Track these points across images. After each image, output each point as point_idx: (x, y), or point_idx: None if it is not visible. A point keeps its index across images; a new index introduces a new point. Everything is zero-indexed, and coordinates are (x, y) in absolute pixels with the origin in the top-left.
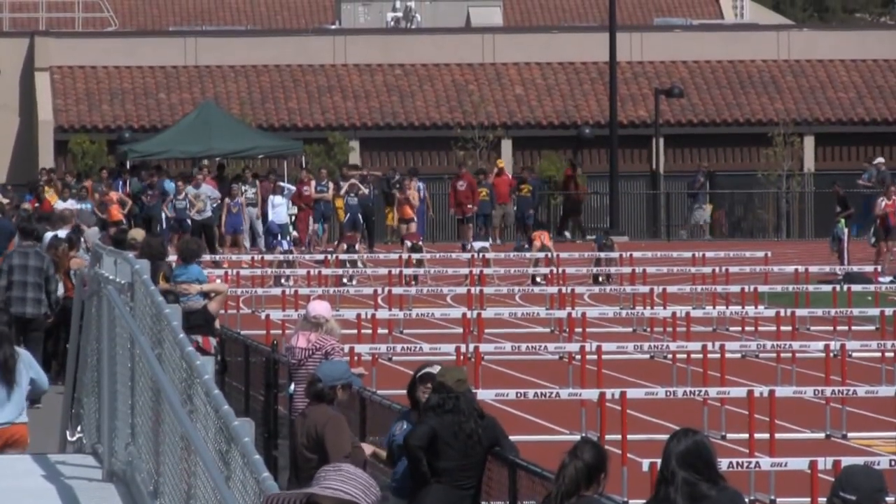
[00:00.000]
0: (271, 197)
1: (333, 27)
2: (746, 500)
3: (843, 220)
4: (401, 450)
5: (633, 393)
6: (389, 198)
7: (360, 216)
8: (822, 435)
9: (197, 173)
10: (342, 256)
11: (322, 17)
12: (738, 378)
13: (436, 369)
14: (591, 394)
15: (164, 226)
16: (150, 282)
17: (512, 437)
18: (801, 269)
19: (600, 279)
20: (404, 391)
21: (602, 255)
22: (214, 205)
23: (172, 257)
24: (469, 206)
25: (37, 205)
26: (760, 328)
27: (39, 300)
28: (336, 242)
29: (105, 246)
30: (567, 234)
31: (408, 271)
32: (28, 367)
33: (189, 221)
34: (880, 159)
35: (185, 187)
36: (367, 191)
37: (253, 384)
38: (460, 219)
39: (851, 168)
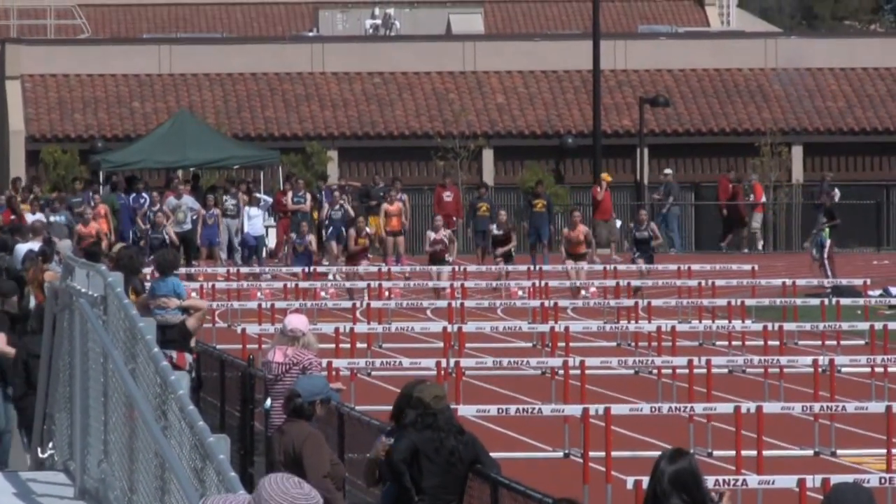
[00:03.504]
0: (247, 208)
1: (311, 35)
2: None
3: (827, 230)
4: (385, 467)
5: (617, 409)
6: (369, 209)
7: (343, 229)
8: (810, 452)
9: (178, 184)
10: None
11: (299, 25)
12: (725, 394)
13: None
14: (574, 410)
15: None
16: (124, 295)
17: (493, 454)
18: (788, 282)
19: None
20: (383, 406)
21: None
22: (194, 216)
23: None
24: (454, 218)
25: (13, 217)
26: (747, 343)
27: None
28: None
29: (77, 258)
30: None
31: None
32: None
33: (165, 234)
34: (668, 171)
35: (167, 198)
36: (350, 209)
37: (229, 400)
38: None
39: (841, 179)
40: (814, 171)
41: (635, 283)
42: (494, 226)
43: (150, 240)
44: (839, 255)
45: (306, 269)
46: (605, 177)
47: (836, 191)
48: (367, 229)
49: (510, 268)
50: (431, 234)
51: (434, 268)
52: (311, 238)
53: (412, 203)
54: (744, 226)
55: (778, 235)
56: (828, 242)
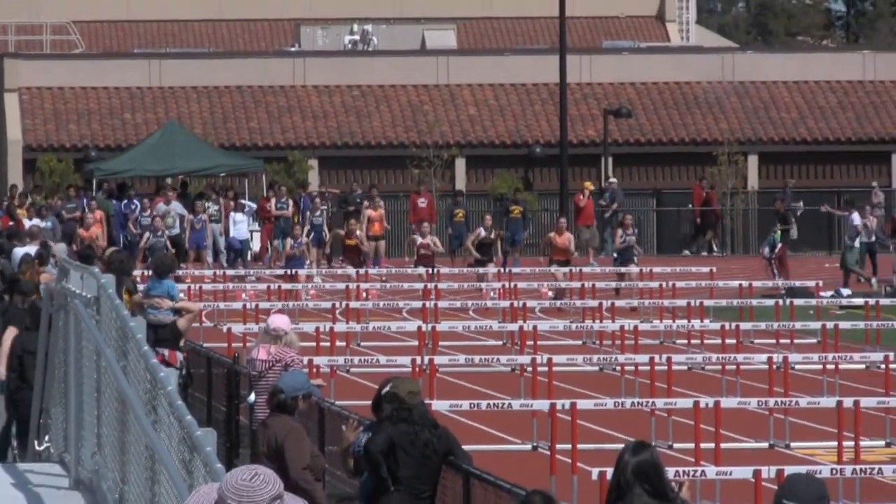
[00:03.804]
0: (232, 214)
1: (293, 49)
2: None
3: (779, 233)
4: (363, 458)
5: (582, 404)
6: (348, 214)
7: (323, 234)
8: (765, 445)
9: (167, 191)
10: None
11: (282, 40)
12: (685, 389)
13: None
14: (542, 405)
15: (129, 240)
16: (116, 296)
17: (465, 447)
18: (745, 283)
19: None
20: (361, 402)
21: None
22: (182, 222)
23: (137, 272)
24: (428, 223)
25: (11, 223)
26: (706, 341)
27: None
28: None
29: (72, 261)
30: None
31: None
32: None
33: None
34: (612, 179)
35: (157, 204)
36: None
37: (215, 395)
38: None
39: (794, 186)
40: (768, 179)
41: (616, 284)
42: (482, 229)
43: (152, 243)
44: (793, 259)
45: (298, 272)
46: (588, 185)
47: (801, 203)
48: (358, 232)
49: (482, 270)
50: (418, 239)
51: (423, 270)
52: (305, 240)
53: (388, 209)
54: (715, 229)
55: (735, 240)
56: (779, 245)
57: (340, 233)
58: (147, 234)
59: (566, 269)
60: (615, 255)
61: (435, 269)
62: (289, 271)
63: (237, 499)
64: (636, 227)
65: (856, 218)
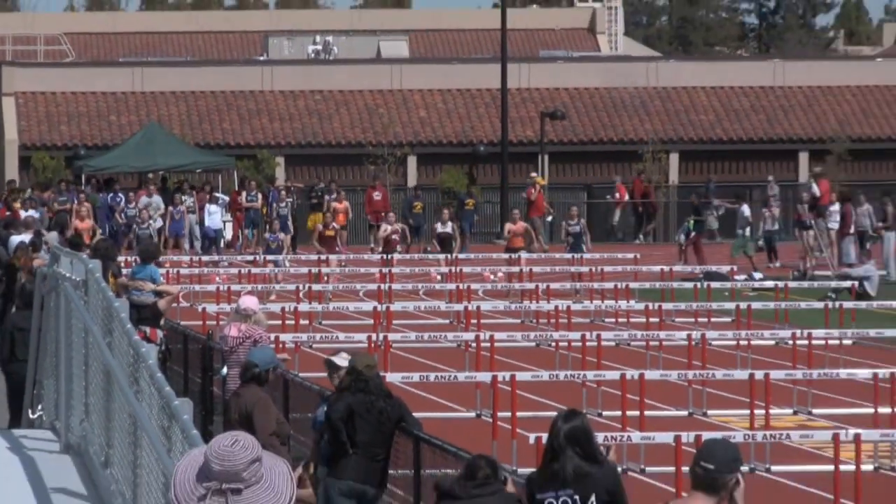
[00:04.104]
0: (207, 205)
1: (262, 58)
2: (620, 469)
3: (692, 222)
4: (324, 426)
5: (521, 376)
6: (312, 206)
7: (289, 223)
8: (685, 413)
9: (149, 185)
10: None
11: (252, 50)
12: (612, 363)
13: (341, 357)
14: (484, 377)
15: (116, 230)
16: (102, 279)
17: (416, 414)
18: (666, 268)
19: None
20: (322, 374)
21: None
22: (160, 213)
23: (121, 258)
24: (382, 214)
25: (7, 213)
26: (632, 320)
27: None
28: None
29: (62, 248)
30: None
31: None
32: None
33: (138, 228)
34: (533, 174)
35: (140, 197)
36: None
37: (191, 368)
38: (375, 225)
39: (716, 181)
40: (688, 175)
41: (571, 284)
42: (439, 223)
43: (139, 232)
44: (710, 246)
45: (276, 261)
46: (539, 180)
47: (724, 208)
48: (334, 224)
49: (431, 256)
50: (387, 227)
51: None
52: (282, 235)
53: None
54: (654, 219)
55: (658, 229)
56: (692, 233)
57: (320, 226)
58: (133, 227)
59: (521, 255)
60: (569, 241)
61: (394, 255)
62: (256, 258)
63: (219, 463)
64: (581, 217)
65: (745, 210)
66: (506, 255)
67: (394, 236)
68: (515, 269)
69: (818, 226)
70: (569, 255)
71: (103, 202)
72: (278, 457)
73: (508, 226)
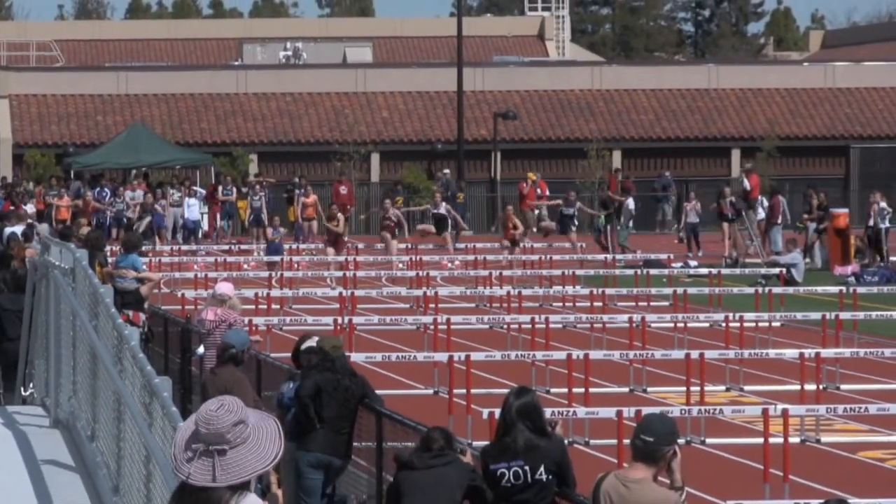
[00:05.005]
0: (186, 199)
1: (237, 63)
2: (566, 442)
3: (603, 217)
4: (291, 402)
5: (475, 356)
6: (290, 199)
7: (262, 215)
8: (626, 389)
9: (133, 180)
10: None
11: (227, 56)
12: (560, 344)
13: (314, 341)
14: (442, 357)
15: (106, 223)
16: (89, 267)
17: (378, 391)
18: (608, 257)
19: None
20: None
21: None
22: (138, 203)
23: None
24: (348, 206)
25: (11, 207)
26: (578, 304)
27: None
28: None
29: (53, 238)
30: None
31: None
32: None
33: (125, 219)
34: (446, 171)
35: (125, 191)
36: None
37: (171, 349)
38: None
39: (650, 176)
40: (630, 170)
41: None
42: (432, 206)
43: (113, 223)
44: (647, 236)
45: (276, 259)
46: (531, 175)
47: (632, 200)
48: (340, 216)
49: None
50: (389, 209)
51: (392, 240)
52: (284, 230)
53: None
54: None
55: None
56: (605, 227)
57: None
58: (122, 219)
59: (559, 257)
60: (558, 224)
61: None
62: (231, 247)
63: (205, 426)
64: (577, 202)
65: (630, 203)
66: (461, 246)
67: (386, 222)
68: (471, 257)
69: (748, 217)
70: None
71: (92, 196)
72: (268, 415)
73: (501, 215)
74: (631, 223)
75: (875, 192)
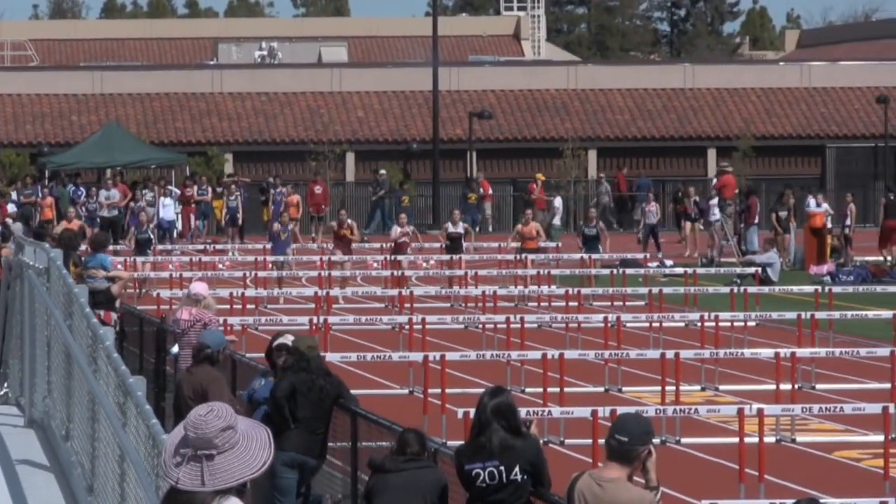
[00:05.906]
0: (161, 198)
1: (212, 63)
2: (541, 442)
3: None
4: (264, 401)
5: (450, 356)
6: (264, 201)
7: (238, 215)
8: (601, 389)
9: (107, 180)
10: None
11: (203, 55)
12: (535, 343)
13: (287, 338)
14: (416, 356)
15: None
16: (63, 267)
17: (353, 391)
18: (585, 256)
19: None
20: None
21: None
22: (113, 202)
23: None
24: (323, 206)
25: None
26: (553, 304)
27: None
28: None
29: (26, 238)
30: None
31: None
32: None
33: (98, 219)
34: (382, 171)
35: (101, 191)
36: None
37: (146, 349)
38: (316, 216)
39: (627, 176)
40: (606, 170)
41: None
42: (450, 224)
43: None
44: (623, 235)
45: (284, 256)
46: (540, 176)
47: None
48: (349, 221)
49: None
50: (397, 229)
51: (401, 258)
52: (293, 226)
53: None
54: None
55: (578, 219)
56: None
57: (332, 225)
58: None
59: (534, 257)
60: (582, 245)
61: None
62: (207, 246)
63: (194, 430)
64: (598, 219)
65: (557, 202)
66: (436, 245)
67: (404, 238)
68: (446, 257)
69: (724, 216)
70: (496, 244)
71: (68, 195)
72: (259, 424)
73: (519, 227)
74: (558, 220)
75: (848, 194)
